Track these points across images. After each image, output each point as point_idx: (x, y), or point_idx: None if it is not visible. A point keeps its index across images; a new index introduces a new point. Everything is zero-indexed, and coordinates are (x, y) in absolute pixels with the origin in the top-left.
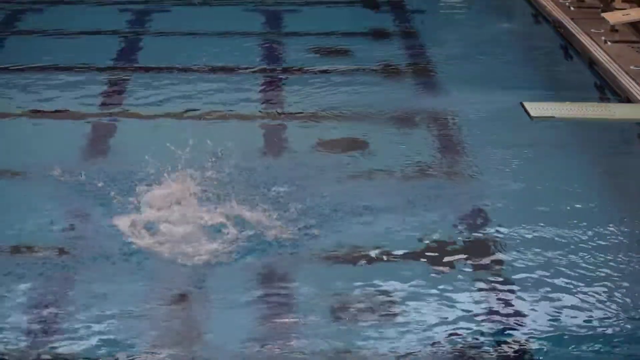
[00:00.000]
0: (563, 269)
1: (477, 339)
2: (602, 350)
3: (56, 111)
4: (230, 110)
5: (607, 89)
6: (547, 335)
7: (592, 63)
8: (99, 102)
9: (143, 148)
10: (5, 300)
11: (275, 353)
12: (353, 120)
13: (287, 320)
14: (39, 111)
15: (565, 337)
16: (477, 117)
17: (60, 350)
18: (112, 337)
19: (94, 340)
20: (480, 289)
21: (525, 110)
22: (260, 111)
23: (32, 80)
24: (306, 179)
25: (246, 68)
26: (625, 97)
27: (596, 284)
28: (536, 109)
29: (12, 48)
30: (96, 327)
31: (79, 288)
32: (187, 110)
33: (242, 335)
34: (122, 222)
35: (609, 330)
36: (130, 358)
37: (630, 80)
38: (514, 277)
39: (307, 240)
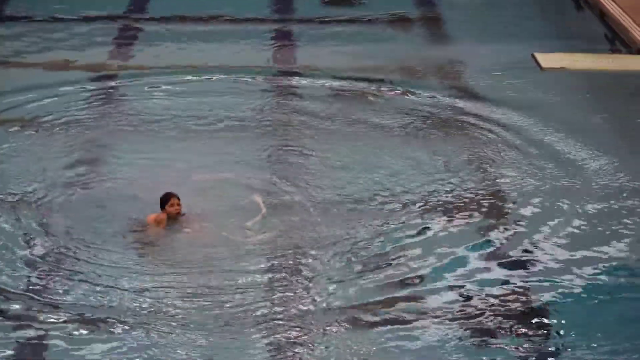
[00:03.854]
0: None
1: None
2: None
3: (66, 60)
4: (240, 63)
5: (618, 41)
6: None
7: (603, 14)
8: (107, 54)
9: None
10: None
11: None
12: (363, 71)
13: None
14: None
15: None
16: (488, 68)
17: None
18: None
19: None
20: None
21: (536, 61)
22: (270, 63)
23: (43, 30)
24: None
25: (256, 19)
26: (635, 49)
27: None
28: (547, 60)
29: None
30: None
31: None
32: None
33: None
34: None
35: None
36: None
37: None
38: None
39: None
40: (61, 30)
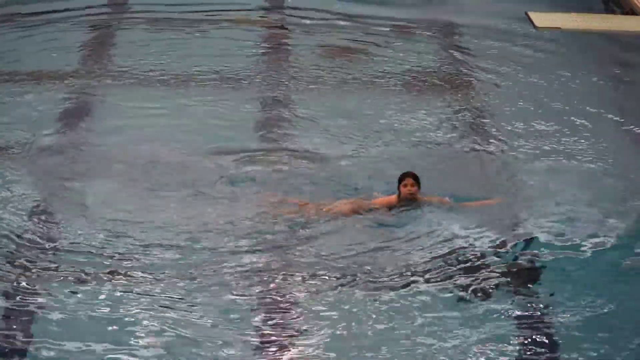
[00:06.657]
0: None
1: None
2: None
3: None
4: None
5: (612, 1)
6: None
7: None
8: None
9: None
10: None
11: None
12: (356, 30)
13: None
14: None
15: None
16: (481, 25)
17: None
18: None
19: None
20: None
21: (530, 20)
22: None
23: None
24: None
25: None
26: (629, 10)
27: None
28: (541, 19)
29: None
30: None
31: None
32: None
33: None
34: None
35: None
36: None
37: None
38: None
39: None
40: None
